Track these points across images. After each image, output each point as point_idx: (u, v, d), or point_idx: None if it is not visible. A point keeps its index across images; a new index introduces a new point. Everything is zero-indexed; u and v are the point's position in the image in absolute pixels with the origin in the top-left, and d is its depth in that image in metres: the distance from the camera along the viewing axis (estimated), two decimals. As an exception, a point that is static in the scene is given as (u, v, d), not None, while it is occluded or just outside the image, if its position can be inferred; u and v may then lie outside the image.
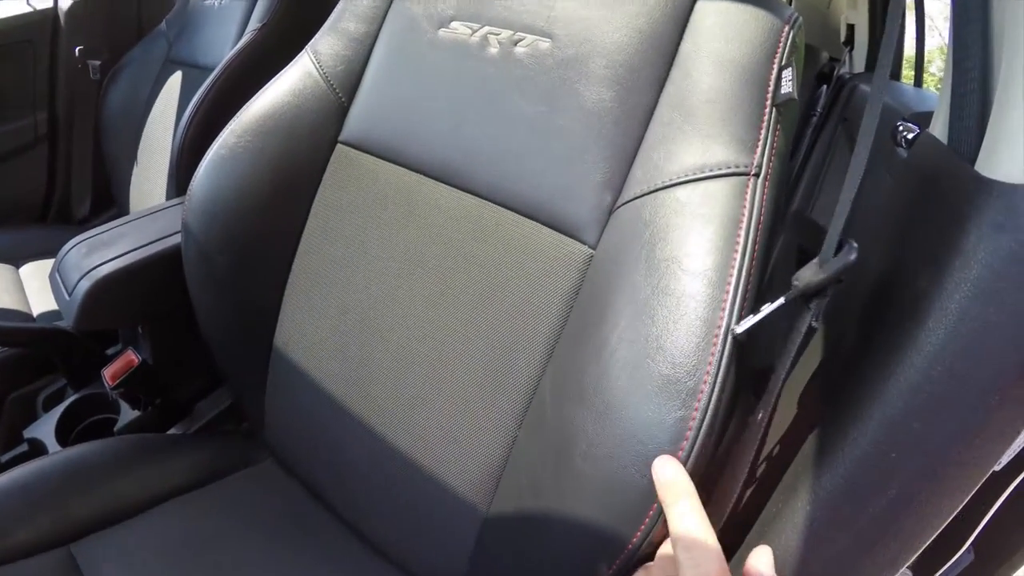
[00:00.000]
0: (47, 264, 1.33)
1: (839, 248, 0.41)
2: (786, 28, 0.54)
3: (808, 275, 0.42)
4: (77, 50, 1.53)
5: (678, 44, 0.57)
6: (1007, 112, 0.39)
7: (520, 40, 0.64)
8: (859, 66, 1.68)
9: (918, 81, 1.56)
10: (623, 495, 0.46)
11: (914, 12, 1.66)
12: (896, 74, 1.64)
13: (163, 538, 0.69)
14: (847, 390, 0.44)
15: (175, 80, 1.37)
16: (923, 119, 0.94)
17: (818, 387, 0.53)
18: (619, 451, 0.46)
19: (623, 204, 0.55)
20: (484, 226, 0.64)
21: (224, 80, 1.13)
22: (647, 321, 0.47)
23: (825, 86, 1.69)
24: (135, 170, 1.40)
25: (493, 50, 0.66)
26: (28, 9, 1.51)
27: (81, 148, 1.61)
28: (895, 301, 0.44)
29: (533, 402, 0.58)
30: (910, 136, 0.86)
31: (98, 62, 1.55)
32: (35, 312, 1.19)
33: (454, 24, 0.70)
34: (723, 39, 0.54)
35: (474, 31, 0.68)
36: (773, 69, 0.52)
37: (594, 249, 0.56)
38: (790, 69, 0.53)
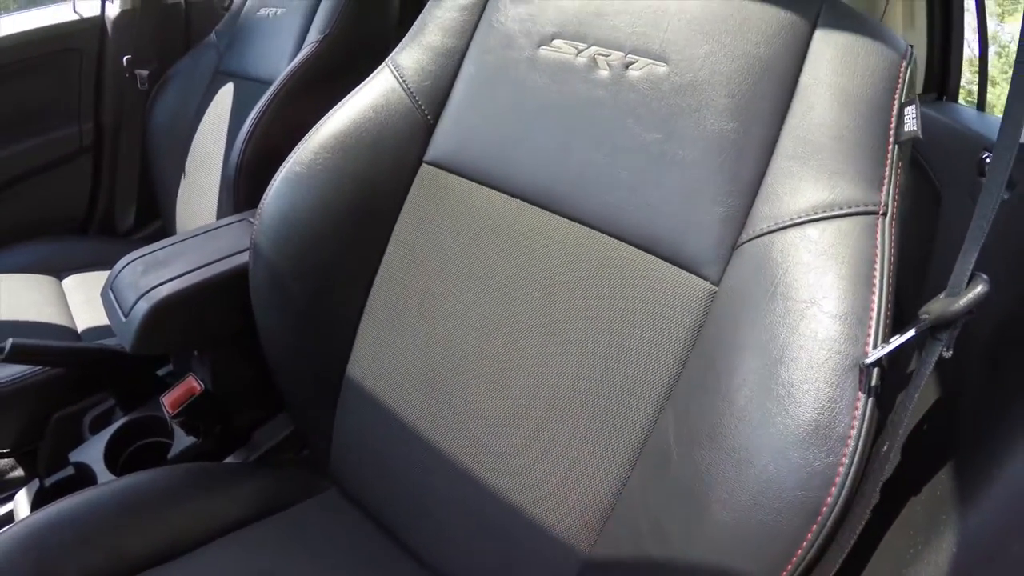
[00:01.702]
0: (90, 276, 1.31)
1: (969, 280, 0.41)
2: (904, 63, 0.53)
3: (939, 308, 0.42)
4: (125, 59, 1.51)
5: (798, 75, 0.56)
6: None
7: (633, 63, 0.62)
8: (917, 86, 1.63)
9: (981, 104, 1.50)
10: (766, 544, 0.44)
11: (976, 29, 1.60)
12: (954, 94, 1.59)
13: (224, 575, 0.66)
14: (984, 429, 0.43)
15: (226, 92, 1.34)
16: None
17: (942, 422, 0.51)
18: (763, 499, 0.44)
19: (749, 240, 0.53)
20: (596, 258, 0.61)
21: (285, 94, 1.10)
22: (789, 365, 0.46)
23: None
24: (183, 184, 1.38)
25: (603, 72, 0.63)
26: (75, 17, 1.49)
27: (127, 159, 1.59)
28: None
29: (650, 443, 0.56)
30: None
31: (146, 72, 1.53)
32: (80, 327, 1.16)
33: (556, 42, 0.66)
34: (844, 72, 0.54)
35: (580, 51, 0.65)
36: (894, 105, 0.52)
37: (716, 285, 0.55)
38: (913, 107, 0.52)
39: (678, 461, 0.52)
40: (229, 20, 1.44)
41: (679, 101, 0.59)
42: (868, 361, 0.44)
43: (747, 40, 0.58)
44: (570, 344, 0.61)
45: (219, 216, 1.21)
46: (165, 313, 0.76)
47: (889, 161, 0.51)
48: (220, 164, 1.27)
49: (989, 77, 1.67)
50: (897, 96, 0.52)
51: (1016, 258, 0.50)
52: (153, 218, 1.60)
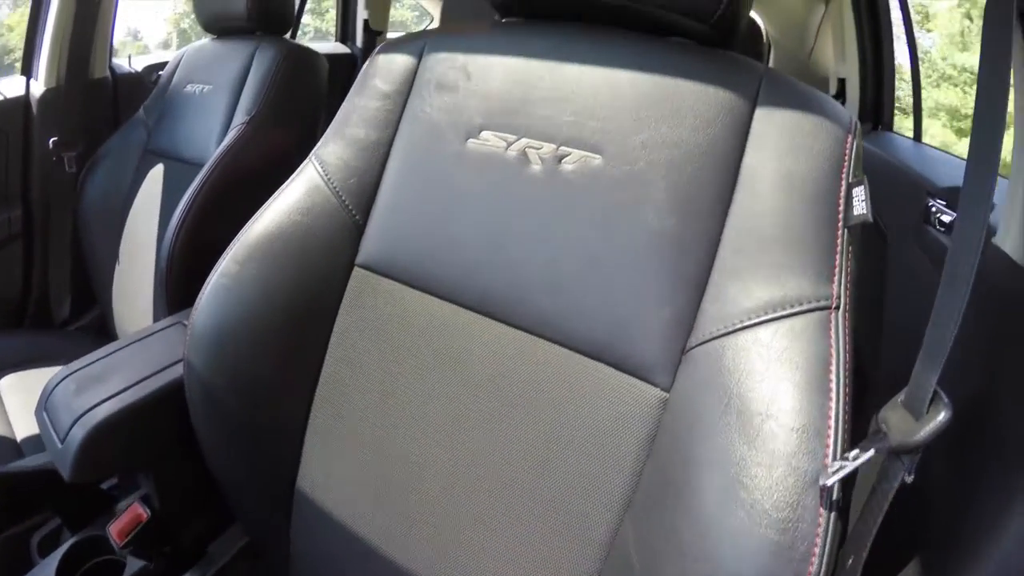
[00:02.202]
0: (28, 375, 1.25)
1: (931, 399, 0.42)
2: (850, 138, 0.51)
3: (900, 430, 0.42)
4: (51, 142, 1.47)
5: (740, 160, 0.54)
6: None
7: (566, 156, 0.60)
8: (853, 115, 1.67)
9: (917, 134, 1.53)
10: None
11: (908, 55, 1.65)
12: (889, 123, 1.63)
13: None
14: (951, 533, 0.44)
15: (156, 173, 1.33)
16: (957, 197, 0.91)
17: (910, 514, 0.51)
18: None
19: (699, 344, 0.51)
20: (539, 366, 0.59)
21: (215, 178, 1.09)
22: (748, 484, 0.44)
23: None
24: (118, 271, 1.34)
25: (536, 167, 0.61)
26: None
27: (59, 246, 1.55)
28: (996, 442, 0.45)
29: (612, 554, 0.54)
30: (946, 219, 0.84)
31: (74, 153, 1.49)
32: (19, 435, 1.10)
33: (485, 135, 0.64)
34: (788, 154, 0.52)
35: (510, 144, 0.63)
36: (842, 187, 0.50)
37: (667, 392, 0.53)
38: (861, 187, 0.50)
39: (641, 572, 0.50)
40: (157, 95, 1.43)
41: (617, 197, 0.57)
42: (828, 482, 0.43)
43: (685, 126, 0.56)
44: (520, 456, 0.59)
45: (155, 311, 1.19)
46: (102, 438, 0.71)
47: (840, 248, 0.49)
48: (153, 249, 1.24)
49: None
50: (844, 176, 0.51)
51: (974, 346, 0.49)
52: (90, 306, 1.56)
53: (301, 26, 2.48)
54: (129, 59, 1.71)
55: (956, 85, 8.30)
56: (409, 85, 0.71)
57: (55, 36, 1.48)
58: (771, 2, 2.06)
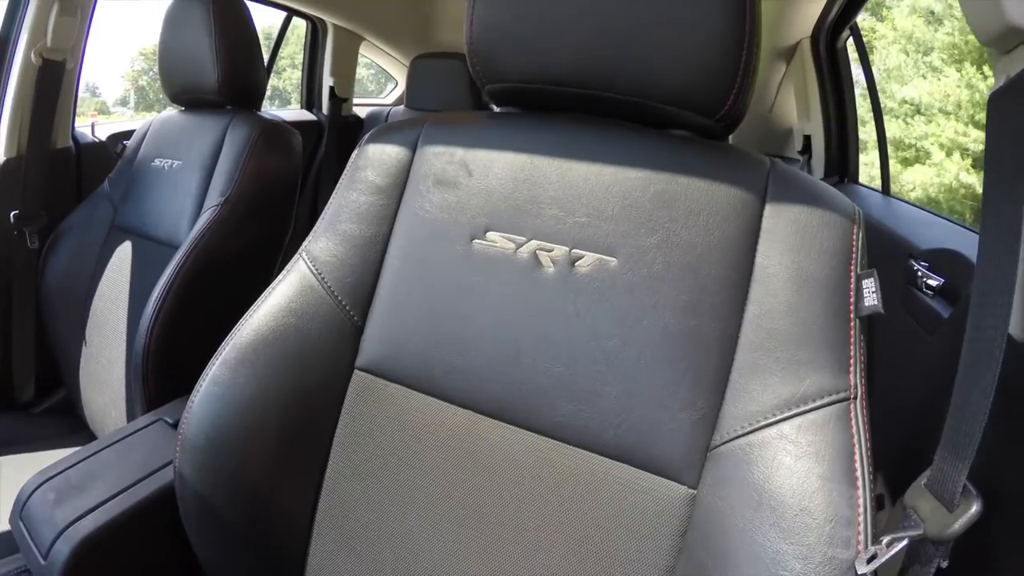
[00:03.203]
0: None
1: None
2: (856, 229, 0.54)
3: (934, 521, 0.45)
4: (12, 215, 1.42)
5: (753, 257, 0.56)
6: None
7: (579, 258, 0.60)
8: (818, 171, 1.73)
9: (885, 188, 1.59)
10: None
11: (871, 108, 1.70)
12: (855, 175, 1.68)
13: None
14: None
15: (124, 252, 1.28)
16: (940, 260, 0.94)
17: None
18: None
19: (724, 443, 0.53)
20: (563, 470, 0.59)
21: (190, 264, 1.05)
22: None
23: None
24: (85, 352, 1.30)
25: (549, 270, 0.61)
26: None
27: (21, 325, 1.49)
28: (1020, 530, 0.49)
29: None
30: (933, 284, 0.87)
31: (35, 228, 1.44)
32: None
33: (491, 235, 0.64)
34: (800, 249, 0.54)
35: (519, 245, 0.63)
36: (852, 278, 0.52)
37: (695, 489, 0.54)
38: (871, 280, 0.52)
39: None
40: (122, 168, 1.39)
41: (634, 299, 0.58)
42: (865, 571, 0.44)
43: (698, 226, 0.57)
44: (549, 560, 0.59)
45: (128, 405, 1.14)
46: (89, 554, 0.68)
47: (853, 339, 0.51)
48: (123, 334, 1.20)
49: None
50: (853, 268, 0.53)
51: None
52: (56, 386, 1.49)
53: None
54: (92, 128, 1.68)
55: (897, 117, 8.69)
56: (404, 178, 0.70)
57: (16, 104, 1.44)
58: None
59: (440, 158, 0.69)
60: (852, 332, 0.51)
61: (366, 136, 0.74)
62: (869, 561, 0.44)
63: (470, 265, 0.64)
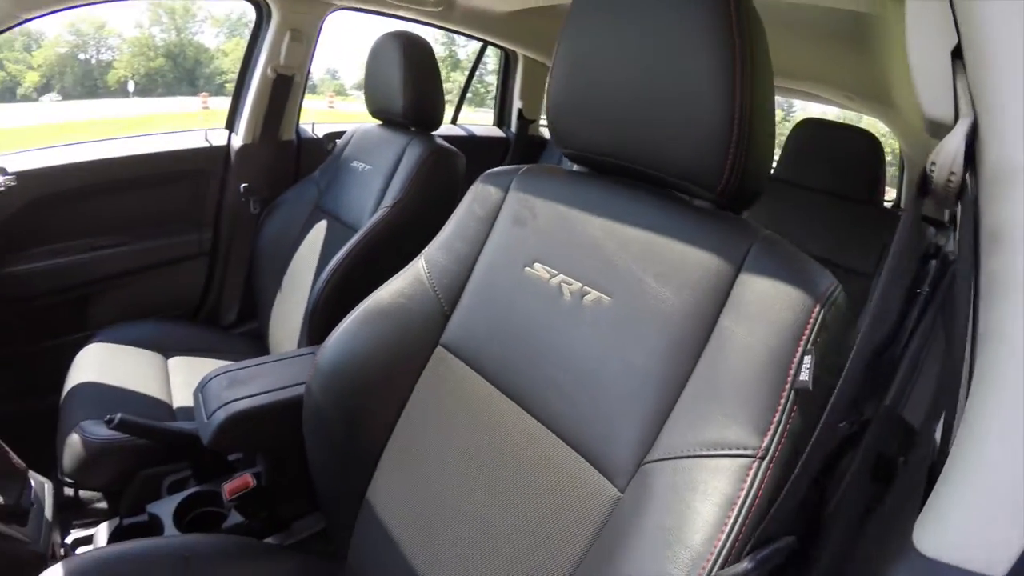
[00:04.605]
0: (193, 361, 1.49)
1: None
2: (817, 307, 0.56)
3: None
4: (242, 187, 1.74)
5: (717, 318, 0.61)
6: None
7: (587, 294, 0.70)
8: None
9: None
10: None
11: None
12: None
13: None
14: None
15: (320, 228, 1.56)
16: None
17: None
18: None
19: (651, 462, 0.60)
20: (542, 451, 0.71)
21: (361, 246, 1.31)
22: None
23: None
24: (278, 297, 1.57)
25: (567, 298, 0.72)
26: (206, 144, 1.78)
27: (235, 267, 1.79)
28: None
29: None
30: None
31: (258, 198, 1.75)
32: (175, 404, 1.32)
33: (536, 266, 0.76)
34: (756, 319, 0.58)
35: (552, 276, 0.74)
36: (797, 352, 0.55)
37: (622, 493, 0.62)
38: (810, 357, 0.54)
39: None
40: (330, 163, 1.66)
41: (619, 333, 0.66)
42: None
43: (680, 283, 0.63)
44: (510, 505, 0.71)
45: (299, 337, 1.43)
46: (237, 423, 0.90)
47: (782, 407, 0.54)
48: (307, 291, 1.46)
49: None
50: (802, 344, 0.55)
51: None
52: (251, 318, 1.79)
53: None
54: (312, 126, 2.00)
55: None
56: (496, 213, 0.85)
57: (254, 105, 1.79)
58: (902, 119, 2.06)
59: (520, 203, 0.82)
60: (783, 400, 0.54)
61: (480, 176, 0.90)
62: None
63: (520, 286, 0.77)
